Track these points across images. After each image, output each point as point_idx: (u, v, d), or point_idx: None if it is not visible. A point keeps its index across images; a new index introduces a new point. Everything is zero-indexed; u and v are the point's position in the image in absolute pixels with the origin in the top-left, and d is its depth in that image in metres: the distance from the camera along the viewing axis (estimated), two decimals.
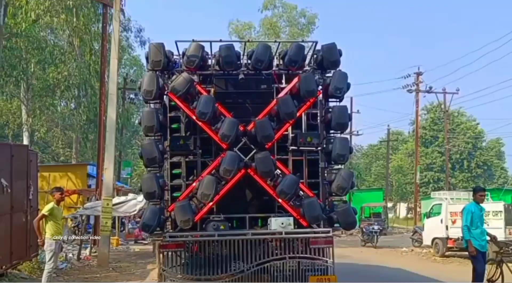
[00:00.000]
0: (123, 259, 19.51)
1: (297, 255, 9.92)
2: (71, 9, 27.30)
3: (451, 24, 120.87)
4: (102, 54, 23.23)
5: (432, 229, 22.81)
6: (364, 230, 28.69)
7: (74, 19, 27.95)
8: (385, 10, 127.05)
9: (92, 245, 20.24)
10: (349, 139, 10.76)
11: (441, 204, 23.15)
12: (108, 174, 17.51)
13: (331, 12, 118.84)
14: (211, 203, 9.66)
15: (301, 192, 10.11)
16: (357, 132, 47.43)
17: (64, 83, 29.93)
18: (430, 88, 39.26)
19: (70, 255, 18.66)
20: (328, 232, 9.95)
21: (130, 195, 21.05)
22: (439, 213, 22.69)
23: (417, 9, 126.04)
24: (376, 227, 27.80)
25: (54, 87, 30.37)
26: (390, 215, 54.56)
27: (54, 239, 11.06)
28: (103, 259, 16.94)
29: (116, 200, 20.43)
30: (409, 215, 58.27)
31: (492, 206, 19.83)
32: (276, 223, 9.73)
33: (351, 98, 45.72)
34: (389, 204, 57.70)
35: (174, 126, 10.51)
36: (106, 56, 23.09)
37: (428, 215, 24.27)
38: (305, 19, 46.64)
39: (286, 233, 9.74)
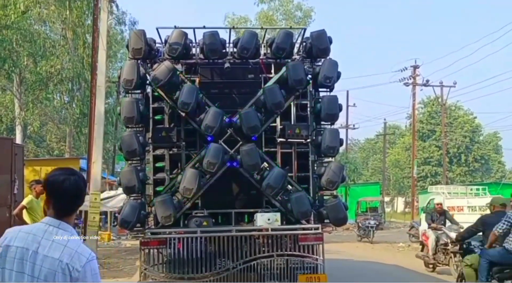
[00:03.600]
0: (113, 255, 19.11)
1: (285, 252, 9.49)
2: (63, 1, 26.87)
3: (448, 18, 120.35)
4: (93, 46, 22.71)
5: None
6: (360, 225, 28.26)
7: (67, 12, 27.51)
8: (381, 4, 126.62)
9: (82, 240, 19.82)
10: (339, 131, 10.27)
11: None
12: (96, 168, 17.00)
13: (327, 5, 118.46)
14: (193, 198, 9.23)
15: (289, 186, 9.67)
16: (353, 125, 47.02)
17: (57, 77, 29.50)
18: (427, 81, 38.89)
19: None
20: (318, 228, 9.53)
21: (121, 189, 20.60)
22: None
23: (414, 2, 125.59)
24: (372, 222, 27.36)
25: (47, 80, 29.90)
26: (387, 210, 54.20)
27: None
28: None
29: (106, 194, 20.06)
30: (406, 210, 57.90)
31: (489, 200, 19.44)
32: (262, 219, 9.30)
33: (347, 92, 45.60)
34: (387, 199, 57.38)
35: (157, 117, 10.09)
36: (97, 48, 22.60)
37: (425, 209, 23.87)
38: (301, 13, 46.19)
39: (273, 229, 9.32)
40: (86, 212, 19.39)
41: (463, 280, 9.12)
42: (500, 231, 8.25)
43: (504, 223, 8.24)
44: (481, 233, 9.18)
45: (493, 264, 8.38)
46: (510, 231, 8.20)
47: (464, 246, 9.53)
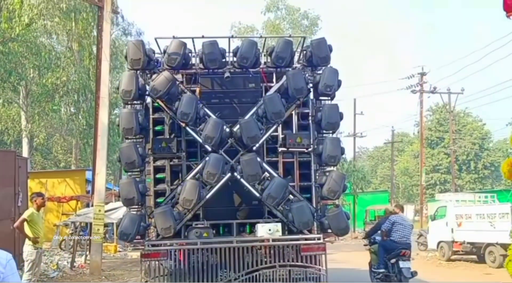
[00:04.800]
0: (118, 266, 19.00)
1: (288, 263, 9.38)
2: (68, 13, 27.01)
3: (455, 23, 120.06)
4: (97, 57, 22.76)
5: (437, 232, 22.19)
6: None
7: (73, 24, 27.65)
8: (389, 11, 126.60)
9: (87, 253, 19.73)
10: (340, 139, 10.15)
11: (446, 206, 22.51)
12: (100, 180, 16.98)
13: (334, 13, 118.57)
14: (194, 209, 9.13)
15: (291, 196, 9.56)
16: (361, 134, 46.75)
17: (63, 88, 29.65)
18: (435, 88, 38.58)
19: (65, 263, 18.17)
20: (320, 238, 9.41)
21: None
22: (444, 216, 22.07)
23: (421, 8, 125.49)
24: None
25: (53, 92, 30.03)
26: None
27: (35, 248, 10.56)
28: (95, 267, 16.41)
29: (111, 205, 19.97)
30: (416, 218, 57.50)
31: (499, 208, 19.22)
32: (263, 230, 9.19)
33: (354, 100, 45.37)
34: None
35: (158, 128, 10.04)
36: (101, 59, 22.64)
37: (433, 217, 23.62)
38: (308, 21, 46.19)
39: (274, 240, 9.21)
40: (91, 224, 19.37)
41: (371, 262, 12.68)
42: (384, 228, 11.98)
43: (387, 223, 12.01)
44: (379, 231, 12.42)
45: (386, 250, 11.88)
46: (391, 229, 11.85)
47: (371, 240, 12.79)
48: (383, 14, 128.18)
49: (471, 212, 20.22)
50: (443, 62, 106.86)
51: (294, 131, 9.99)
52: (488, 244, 18.47)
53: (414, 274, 11.66)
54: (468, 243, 19.80)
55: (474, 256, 20.18)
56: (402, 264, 11.54)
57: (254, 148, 9.42)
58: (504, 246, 17.17)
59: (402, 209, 12.88)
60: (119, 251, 24.25)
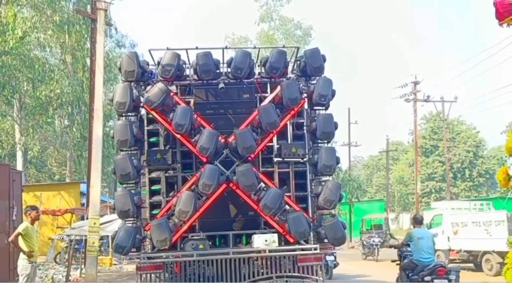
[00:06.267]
0: (113, 279, 18.87)
1: (285, 273, 9.35)
2: (61, 26, 27.02)
3: (447, 31, 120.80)
4: (91, 69, 22.73)
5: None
6: (364, 243, 27.94)
7: (66, 36, 27.65)
8: (382, 18, 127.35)
9: (82, 266, 19.58)
10: (335, 149, 10.13)
11: (442, 214, 22.50)
12: (95, 192, 16.87)
13: (328, 23, 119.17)
14: (190, 221, 9.08)
15: (287, 206, 9.53)
16: (356, 143, 46.76)
17: (57, 101, 29.56)
18: (428, 97, 38.64)
19: (60, 276, 18.02)
20: (317, 248, 9.37)
21: None
22: (440, 224, 22.04)
23: (414, 16, 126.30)
24: (377, 240, 27.01)
25: (47, 105, 29.96)
26: (393, 226, 53.75)
27: (29, 262, 10.45)
28: (91, 281, 16.24)
29: (106, 218, 19.87)
30: (412, 226, 57.49)
31: (495, 215, 19.22)
32: (260, 240, 9.16)
33: (349, 109, 45.41)
34: (392, 215, 56.94)
35: (152, 139, 10.02)
36: (95, 71, 22.62)
37: (429, 226, 23.56)
38: (301, 31, 46.37)
39: (270, 251, 9.17)
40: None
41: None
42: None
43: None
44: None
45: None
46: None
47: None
48: (376, 24, 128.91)
49: (467, 220, 20.21)
50: (436, 71, 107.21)
51: (289, 141, 10.00)
52: (485, 252, 18.44)
53: None
54: (464, 251, 19.77)
55: (471, 264, 20.13)
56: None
57: (250, 158, 9.41)
58: (501, 254, 17.15)
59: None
60: (115, 264, 24.06)
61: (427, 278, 9.84)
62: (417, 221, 11.02)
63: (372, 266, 23.72)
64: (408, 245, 10.48)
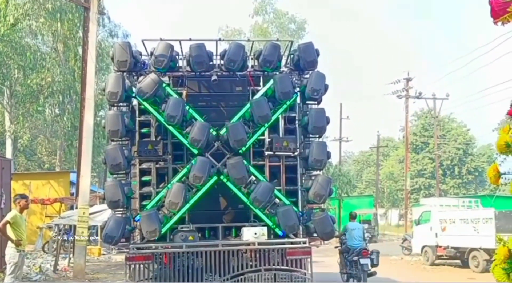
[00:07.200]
0: (102, 269, 18.84)
1: (273, 266, 9.38)
2: (54, 14, 26.82)
3: (440, 29, 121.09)
4: (83, 58, 22.60)
5: (422, 236, 22.29)
6: None
7: (59, 24, 27.44)
8: (376, 16, 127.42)
9: (71, 256, 19.52)
10: (327, 144, 10.15)
11: (430, 211, 22.62)
12: (85, 182, 16.83)
13: (321, 18, 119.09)
14: (180, 213, 9.08)
15: (277, 199, 9.55)
16: (347, 138, 46.85)
17: (48, 90, 29.38)
18: (420, 93, 38.79)
19: (48, 265, 17.97)
20: (305, 242, 9.40)
21: None
22: (428, 220, 22.17)
23: (408, 14, 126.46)
24: (365, 235, 27.07)
25: (37, 93, 29.76)
26: (382, 222, 53.99)
27: (17, 251, 10.40)
28: (79, 271, 16.25)
29: (96, 208, 19.83)
30: (400, 222, 57.66)
31: (483, 213, 19.35)
32: (249, 233, 9.18)
33: (341, 104, 45.46)
34: (381, 211, 57.16)
35: (144, 130, 9.98)
36: (87, 61, 22.48)
37: (418, 222, 23.72)
38: (295, 25, 46.30)
39: (259, 243, 9.19)
40: (75, 226, 19.18)
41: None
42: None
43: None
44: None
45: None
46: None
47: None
48: (371, 19, 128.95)
49: (455, 217, 20.34)
50: (429, 68, 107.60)
51: (280, 135, 10.00)
52: (472, 249, 18.58)
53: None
54: (452, 247, 19.91)
55: (458, 261, 20.29)
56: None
57: (241, 151, 9.41)
58: (488, 251, 17.29)
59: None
60: (103, 254, 24.04)
61: (355, 258, 13.06)
62: (351, 216, 14.41)
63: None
64: (345, 235, 13.64)
